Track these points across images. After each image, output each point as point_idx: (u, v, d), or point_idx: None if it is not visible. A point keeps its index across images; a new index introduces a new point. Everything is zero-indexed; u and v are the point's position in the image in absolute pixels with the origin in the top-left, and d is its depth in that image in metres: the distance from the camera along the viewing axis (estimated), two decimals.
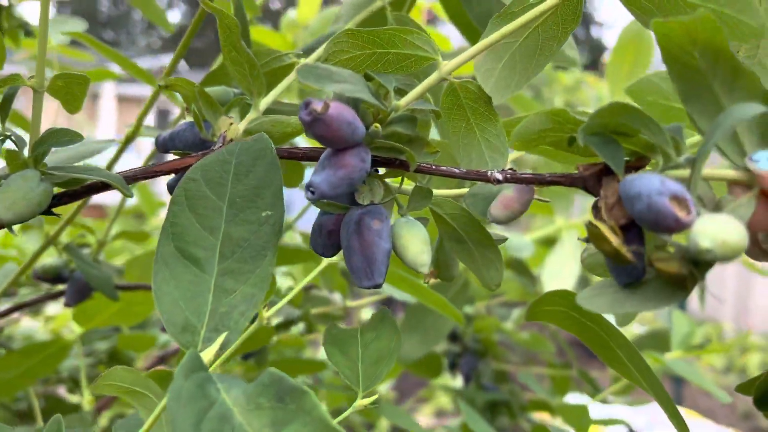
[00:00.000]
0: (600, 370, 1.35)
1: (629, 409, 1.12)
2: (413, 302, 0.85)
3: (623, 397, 1.15)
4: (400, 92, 0.35)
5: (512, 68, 0.35)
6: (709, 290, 0.23)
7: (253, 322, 0.45)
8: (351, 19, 0.52)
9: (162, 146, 0.42)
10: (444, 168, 0.33)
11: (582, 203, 1.17)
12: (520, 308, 1.19)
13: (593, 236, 0.25)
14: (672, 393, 2.12)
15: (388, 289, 0.67)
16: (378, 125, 0.32)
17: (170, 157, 0.40)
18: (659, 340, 1.14)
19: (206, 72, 0.52)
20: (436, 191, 0.37)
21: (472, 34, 0.56)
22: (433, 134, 0.43)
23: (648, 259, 0.24)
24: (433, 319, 0.84)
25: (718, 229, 0.22)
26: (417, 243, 0.34)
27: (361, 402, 0.32)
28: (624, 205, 0.25)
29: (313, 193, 0.31)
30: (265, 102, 0.42)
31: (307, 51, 0.47)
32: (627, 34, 0.86)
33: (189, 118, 0.42)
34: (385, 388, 1.83)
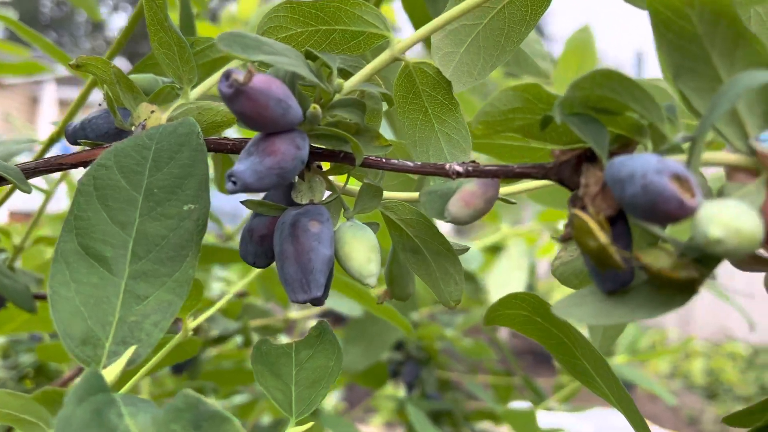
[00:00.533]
0: (544, 378, 1.35)
1: (575, 417, 1.12)
2: (359, 312, 0.82)
3: (567, 405, 1.15)
4: (346, 75, 0.30)
5: (476, 53, 0.32)
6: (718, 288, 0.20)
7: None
8: None
9: (72, 136, 0.37)
10: (395, 161, 0.29)
11: (529, 212, 1.16)
12: (464, 315, 1.18)
13: (578, 231, 0.21)
14: None
15: (332, 302, 0.63)
16: (317, 107, 0.27)
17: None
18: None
19: None
20: (389, 194, 0.33)
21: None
22: (384, 132, 0.38)
23: (637, 260, 0.21)
24: (378, 329, 0.81)
25: (730, 216, 0.18)
26: (363, 250, 0.29)
27: (293, 430, 0.28)
28: (612, 192, 0.21)
29: (234, 183, 0.26)
30: (196, 92, 0.37)
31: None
32: (572, 43, 0.86)
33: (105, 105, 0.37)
34: (334, 398, 1.79)
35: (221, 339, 0.66)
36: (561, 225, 0.88)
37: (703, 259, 0.19)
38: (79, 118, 0.38)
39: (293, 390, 0.29)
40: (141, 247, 0.26)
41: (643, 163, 0.20)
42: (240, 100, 0.25)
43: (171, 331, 0.46)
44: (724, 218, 0.18)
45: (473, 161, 0.27)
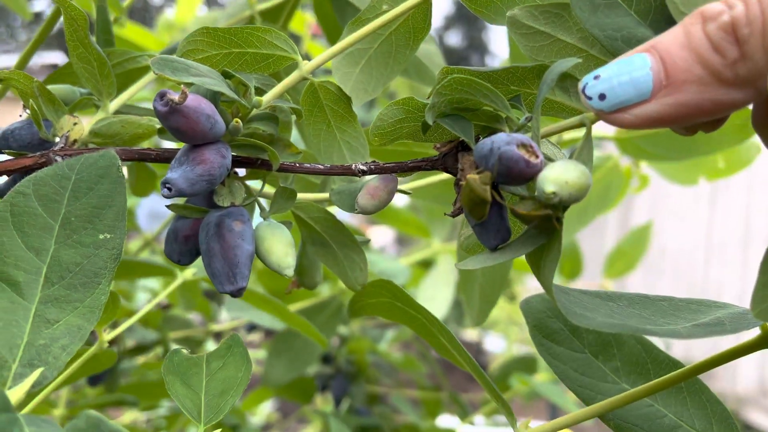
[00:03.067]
0: (471, 392, 1.40)
1: (499, 431, 1.17)
2: (282, 325, 0.84)
3: (494, 419, 1.20)
4: (260, 92, 0.35)
5: (369, 73, 0.37)
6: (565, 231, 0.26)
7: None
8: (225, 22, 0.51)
9: None
10: (307, 165, 0.34)
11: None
12: (394, 329, 1.21)
13: (465, 194, 0.27)
14: (549, 413, 2.27)
15: (253, 315, 0.66)
16: (239, 121, 0.32)
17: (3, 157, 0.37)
18: (527, 364, 1.21)
19: None
20: (299, 195, 0.38)
21: None
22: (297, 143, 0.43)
23: (512, 210, 0.27)
24: (302, 342, 0.83)
25: (560, 172, 0.24)
26: (281, 246, 0.34)
27: None
28: (485, 169, 0.27)
29: (169, 190, 0.30)
30: (115, 103, 0.40)
31: (167, 53, 0.46)
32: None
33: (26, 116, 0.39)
34: (267, 408, 1.79)
35: (139, 349, 0.67)
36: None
37: (555, 206, 0.26)
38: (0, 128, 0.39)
39: (203, 399, 0.32)
40: (54, 273, 0.28)
41: (497, 140, 0.26)
42: (175, 117, 0.29)
43: (86, 343, 0.47)
44: (554, 175, 0.25)
45: (374, 161, 0.33)
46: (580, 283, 1.09)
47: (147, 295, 0.89)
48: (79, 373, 0.43)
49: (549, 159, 0.29)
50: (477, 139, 0.30)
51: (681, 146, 0.58)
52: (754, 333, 0.29)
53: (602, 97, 0.25)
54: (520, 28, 0.30)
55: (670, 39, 0.25)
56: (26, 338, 0.26)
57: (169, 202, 0.36)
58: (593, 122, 0.28)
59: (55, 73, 0.46)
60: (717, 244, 3.21)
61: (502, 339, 3.00)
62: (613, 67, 0.25)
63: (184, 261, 0.36)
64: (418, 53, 0.53)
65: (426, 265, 1.19)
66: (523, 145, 0.25)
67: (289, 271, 0.34)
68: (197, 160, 0.31)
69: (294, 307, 0.82)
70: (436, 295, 0.95)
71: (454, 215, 0.31)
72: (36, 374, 0.25)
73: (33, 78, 0.38)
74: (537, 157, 0.25)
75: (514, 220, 0.31)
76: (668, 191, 3.27)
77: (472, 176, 0.27)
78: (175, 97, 0.29)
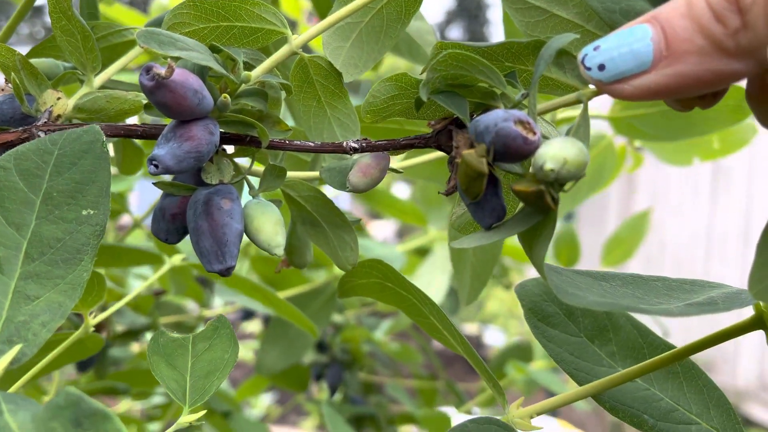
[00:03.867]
0: (469, 382, 1.40)
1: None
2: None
3: (489, 408, 1.20)
4: (249, 67, 0.34)
5: (360, 47, 0.37)
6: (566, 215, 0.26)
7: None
8: None
9: None
10: (298, 142, 0.33)
11: None
12: (390, 319, 1.21)
13: (461, 170, 0.27)
14: None
15: (244, 301, 0.65)
16: (227, 96, 0.32)
17: None
18: (523, 351, 1.21)
19: None
20: (289, 173, 0.37)
21: None
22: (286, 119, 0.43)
23: (510, 188, 0.27)
24: (296, 330, 0.83)
25: (558, 149, 0.24)
26: (271, 224, 0.33)
27: (186, 418, 0.30)
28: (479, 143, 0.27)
29: (156, 167, 0.30)
30: (100, 78, 0.39)
31: (152, 25, 0.45)
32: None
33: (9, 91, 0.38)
34: (266, 400, 1.79)
35: (129, 334, 0.67)
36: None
37: (552, 183, 0.25)
38: None
39: (188, 380, 0.32)
40: (35, 248, 0.27)
41: (494, 116, 0.26)
42: (161, 92, 0.29)
43: (73, 326, 0.47)
44: (553, 152, 0.24)
45: (366, 138, 0.32)
46: None
47: (140, 281, 0.89)
48: (65, 357, 0.42)
49: (544, 137, 0.29)
50: (471, 116, 0.29)
51: (675, 126, 0.58)
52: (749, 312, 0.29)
53: (602, 67, 0.25)
54: (516, 2, 0.30)
55: (671, 9, 0.24)
56: (5, 314, 0.25)
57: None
58: (590, 99, 0.28)
59: (38, 46, 0.45)
60: (717, 237, 3.21)
61: (502, 332, 3.01)
62: (614, 38, 0.25)
63: (172, 240, 0.35)
64: (410, 30, 0.53)
65: (422, 253, 1.18)
66: (521, 122, 0.25)
67: (279, 250, 0.33)
68: (185, 136, 0.30)
69: (287, 294, 0.81)
70: (431, 282, 0.95)
71: (448, 193, 0.30)
72: (14, 351, 0.24)
73: (15, 51, 0.37)
74: (534, 133, 0.25)
75: (509, 199, 0.31)
76: (669, 185, 3.27)
77: (468, 151, 0.27)
78: (162, 71, 0.28)
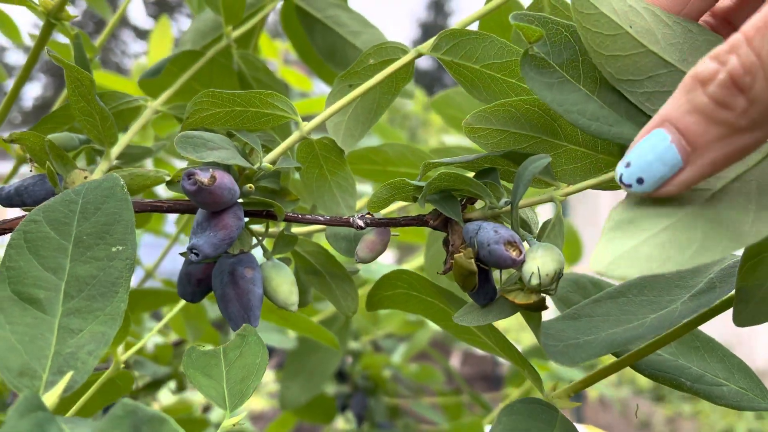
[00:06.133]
0: (492, 392, 1.40)
1: None
2: (293, 347, 0.85)
3: None
4: (264, 149, 0.40)
5: (356, 120, 0.42)
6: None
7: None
8: (196, 46, 0.54)
9: (6, 200, 0.41)
10: (310, 216, 0.38)
11: None
12: (406, 342, 1.22)
13: (456, 268, 0.33)
14: (573, 413, 2.25)
15: (261, 335, 0.67)
16: (252, 186, 0.36)
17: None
18: (543, 353, 1.22)
19: None
20: (295, 229, 0.43)
21: (320, 69, 0.59)
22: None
23: (504, 297, 0.32)
24: (316, 360, 0.85)
25: (540, 265, 0.30)
26: (286, 285, 0.38)
27: (229, 422, 0.32)
28: (469, 246, 0.33)
29: (197, 255, 0.34)
30: (115, 150, 0.42)
31: (150, 74, 0.48)
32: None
33: (35, 171, 0.41)
34: None
35: (152, 385, 0.68)
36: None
37: (538, 288, 0.31)
38: (12, 183, 0.41)
39: (225, 387, 0.34)
40: (73, 288, 0.29)
41: (486, 236, 0.32)
42: (202, 195, 0.34)
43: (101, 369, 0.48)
44: (534, 269, 0.30)
45: (369, 214, 0.37)
46: (580, 268, 1.11)
47: (156, 336, 0.90)
48: (97, 400, 0.44)
49: (525, 224, 0.35)
50: (464, 207, 0.35)
51: None
52: None
53: (640, 181, 0.26)
54: (476, 132, 0.34)
55: (674, 110, 0.26)
56: (53, 349, 0.28)
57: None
58: (561, 200, 0.33)
59: (47, 118, 0.48)
60: None
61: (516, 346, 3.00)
62: (636, 150, 0.27)
63: (197, 300, 0.40)
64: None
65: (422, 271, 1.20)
66: (509, 243, 0.31)
67: (294, 308, 0.38)
68: (219, 225, 0.35)
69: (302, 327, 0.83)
70: None
71: (445, 273, 0.35)
72: (66, 378, 0.26)
73: (42, 136, 0.40)
74: (520, 252, 0.31)
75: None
76: None
77: (459, 256, 0.33)
78: (204, 179, 0.33)
